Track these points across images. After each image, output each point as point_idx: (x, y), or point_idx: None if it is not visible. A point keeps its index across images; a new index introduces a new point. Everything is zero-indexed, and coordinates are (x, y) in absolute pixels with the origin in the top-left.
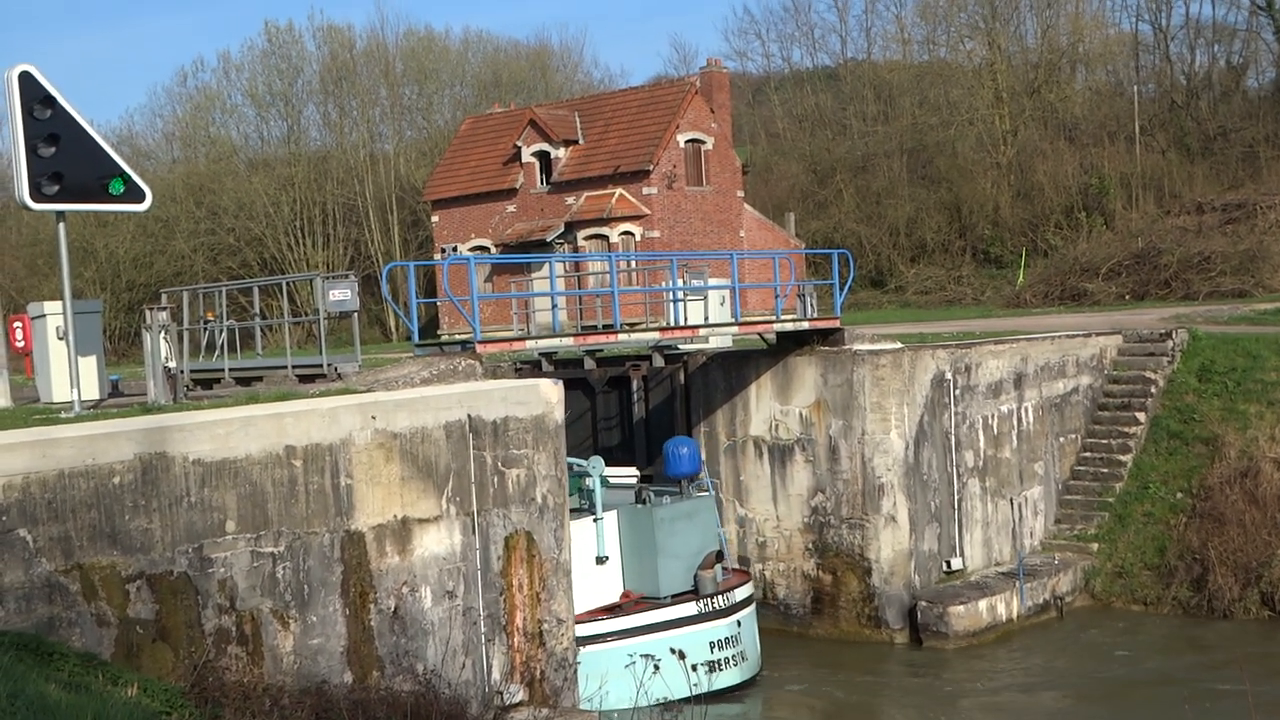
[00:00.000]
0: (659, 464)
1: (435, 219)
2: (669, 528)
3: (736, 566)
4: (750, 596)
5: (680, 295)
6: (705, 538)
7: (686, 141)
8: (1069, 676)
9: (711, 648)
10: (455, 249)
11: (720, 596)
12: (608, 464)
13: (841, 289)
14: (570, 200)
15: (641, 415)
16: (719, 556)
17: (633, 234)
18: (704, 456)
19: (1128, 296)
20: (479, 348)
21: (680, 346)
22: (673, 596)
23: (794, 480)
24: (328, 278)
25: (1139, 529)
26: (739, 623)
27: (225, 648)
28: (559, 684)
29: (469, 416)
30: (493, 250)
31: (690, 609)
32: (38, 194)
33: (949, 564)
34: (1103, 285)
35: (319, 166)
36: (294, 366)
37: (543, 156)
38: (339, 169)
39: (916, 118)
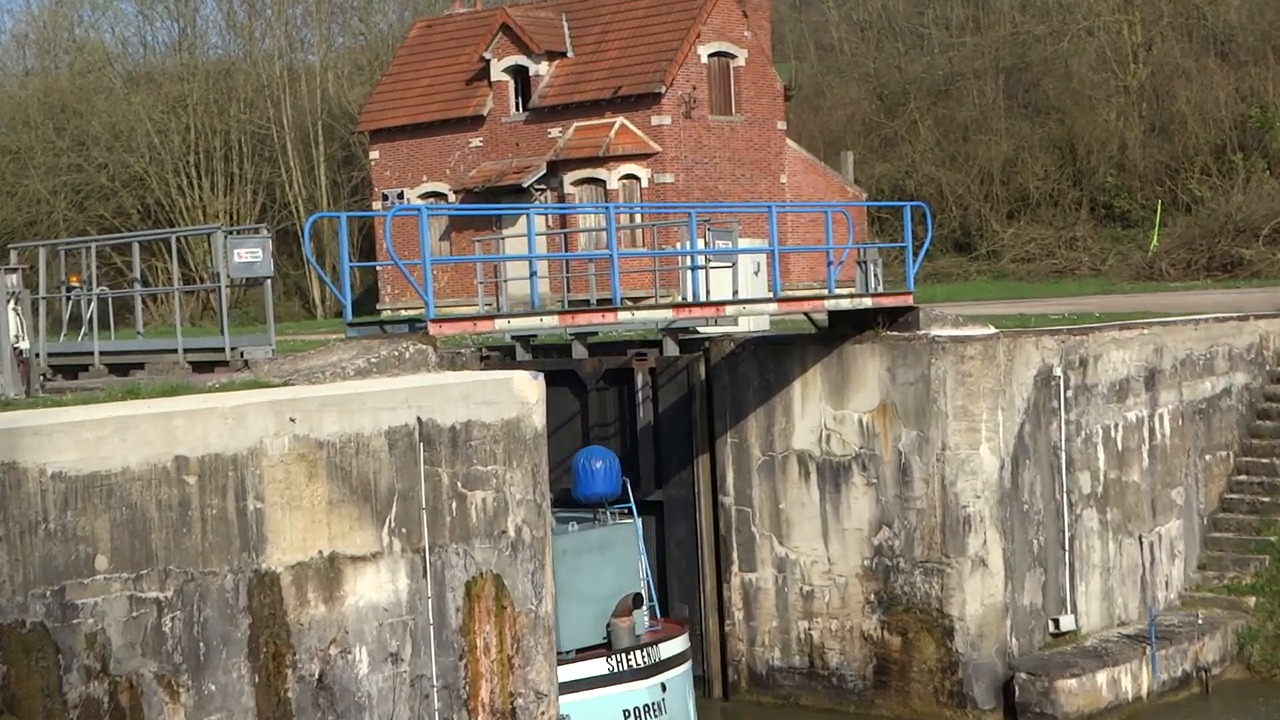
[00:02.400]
0: (673, 486)
1: (374, 156)
2: (572, 563)
3: (673, 615)
4: (684, 654)
5: (701, 261)
6: (621, 576)
7: (711, 55)
8: None
9: (626, 718)
10: (401, 196)
11: (640, 652)
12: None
13: (916, 254)
14: (555, 132)
15: (648, 421)
16: (638, 601)
17: (638, 178)
18: (732, 475)
19: None
20: (433, 328)
21: (700, 330)
22: (577, 651)
23: (851, 510)
24: (231, 232)
25: None
26: (664, 686)
27: None
28: None
29: (419, 420)
30: (451, 199)
31: (599, 667)
32: None
33: (1057, 623)
34: (1264, 251)
35: (221, 84)
36: (186, 350)
37: (519, 74)
38: (247, 87)
39: (1017, 25)
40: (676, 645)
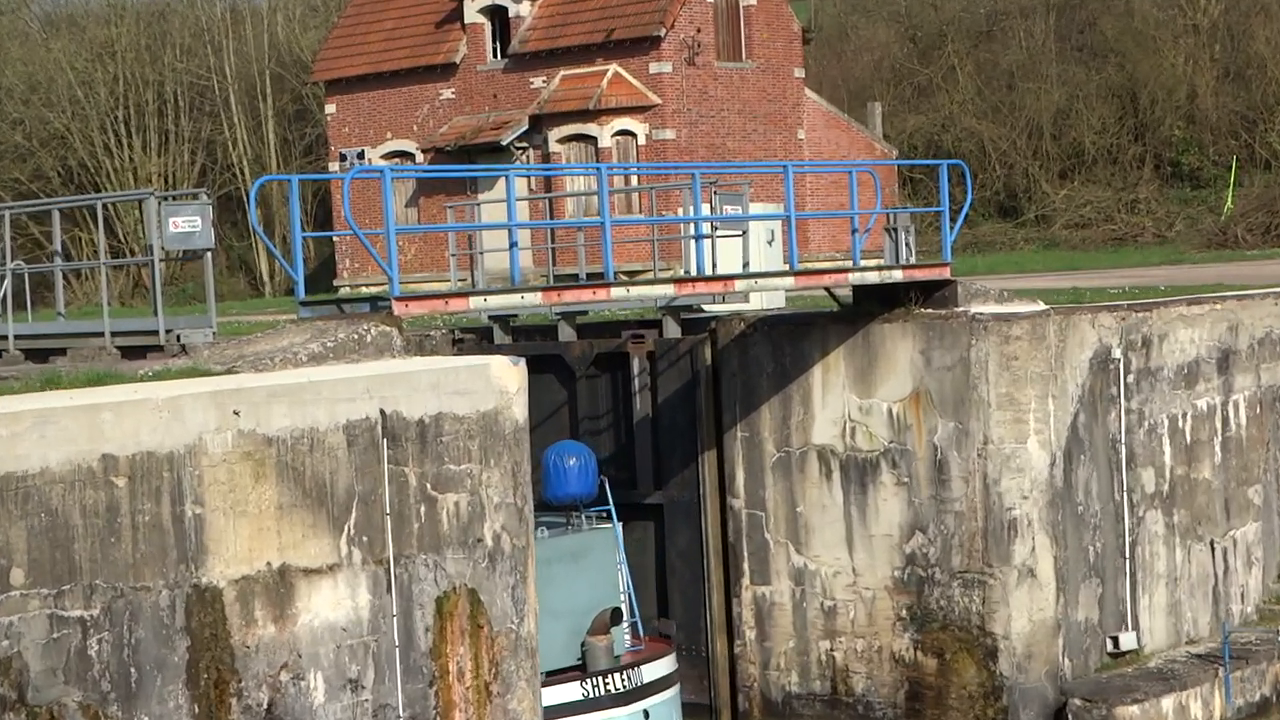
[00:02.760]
0: (675, 488)
1: (331, 110)
2: (542, 573)
3: (654, 632)
4: (670, 677)
5: (706, 229)
6: (599, 589)
7: None
8: None
9: None
10: (361, 156)
11: (619, 675)
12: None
13: (954, 220)
14: (538, 82)
15: (646, 413)
16: (617, 616)
17: (634, 135)
18: (742, 474)
19: None
20: (398, 307)
21: (706, 308)
22: (547, 674)
23: (879, 513)
24: (166, 198)
25: None
26: (647, 714)
27: None
28: None
29: (382, 413)
30: (419, 159)
31: (572, 692)
32: None
33: (1116, 641)
34: None
35: (154, 28)
36: (114, 333)
37: (497, 15)
38: (184, 32)
39: None
40: (662, 667)
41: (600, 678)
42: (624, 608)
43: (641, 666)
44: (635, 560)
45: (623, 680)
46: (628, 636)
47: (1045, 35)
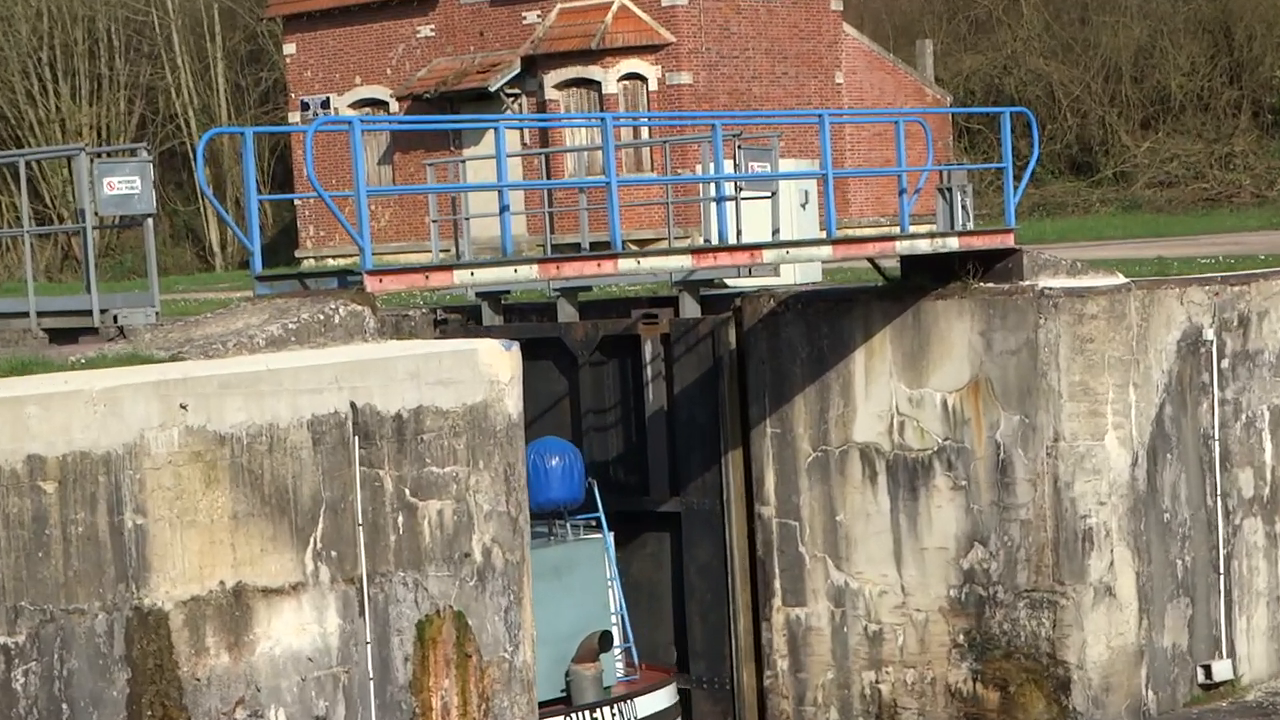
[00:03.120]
0: (694, 493)
1: (290, 50)
2: None
3: (650, 661)
4: (670, 710)
5: (729, 190)
6: (586, 610)
7: None
8: None
9: None
10: (326, 105)
11: (610, 709)
12: (606, 492)
13: (1018, 179)
14: (532, 17)
15: (660, 405)
16: (607, 641)
17: (644, 79)
18: (772, 477)
19: None
20: (370, 282)
21: (730, 283)
22: None
23: (933, 522)
24: (99, 154)
25: None
26: None
27: None
28: None
29: (353, 407)
30: (394, 108)
31: None
32: None
33: (1209, 671)
34: None
35: None
36: (41, 313)
37: None
38: None
39: None
40: (660, 699)
41: (587, 712)
42: (615, 631)
43: (636, 699)
44: (648, 578)
45: (614, 715)
46: (620, 664)
47: None
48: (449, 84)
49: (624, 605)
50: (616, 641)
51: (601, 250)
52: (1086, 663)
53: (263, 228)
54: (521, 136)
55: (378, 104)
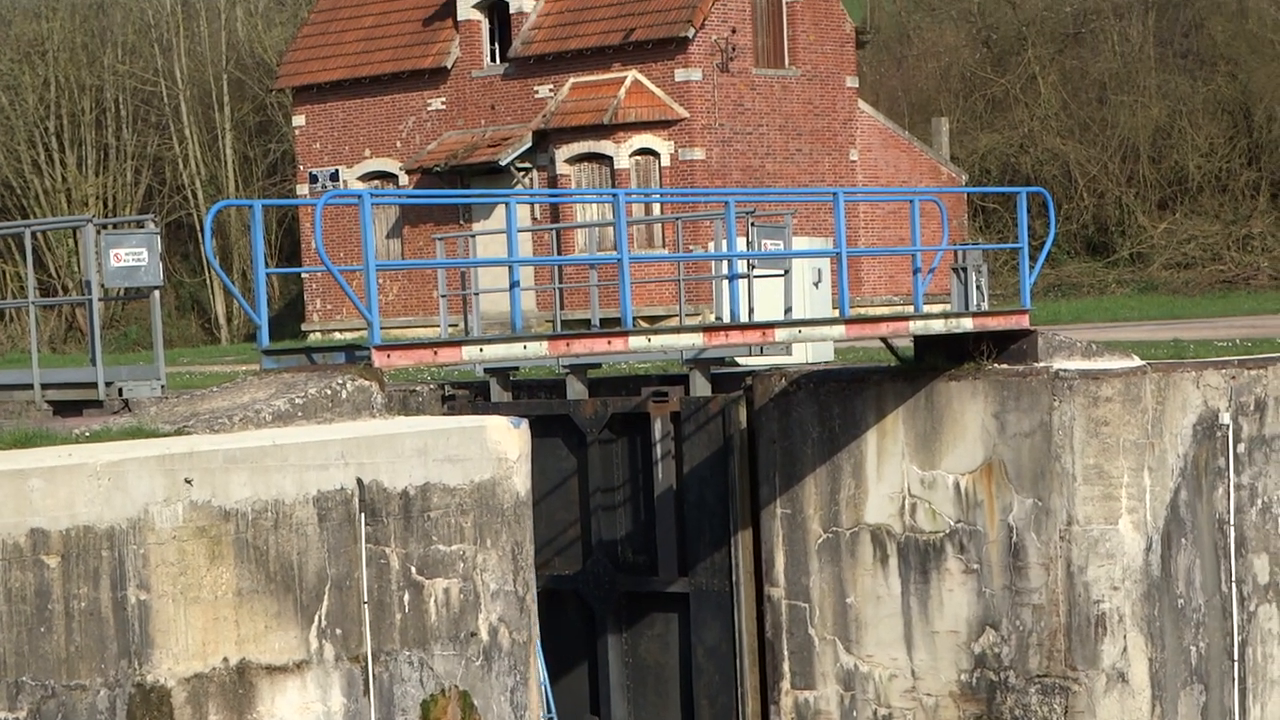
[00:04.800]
0: (703, 574)
1: (299, 122)
2: None
3: None
4: None
5: (742, 268)
6: None
7: None
8: None
9: None
10: (335, 178)
11: None
12: (614, 571)
13: (1034, 259)
14: (544, 91)
15: (669, 484)
16: None
17: (656, 154)
18: (782, 558)
19: None
20: (378, 357)
21: (741, 361)
22: None
23: (944, 606)
24: (106, 225)
25: None
26: None
27: None
28: None
29: (359, 483)
30: (404, 182)
31: None
32: None
33: None
34: None
35: (92, 23)
36: (46, 386)
37: (496, 11)
38: (127, 29)
39: None
40: None
41: None
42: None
43: None
44: (655, 660)
45: None
46: None
47: (1143, 39)
48: (459, 158)
49: (548, 684)
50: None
51: (612, 327)
52: None
53: (270, 300)
54: (532, 211)
55: (387, 177)
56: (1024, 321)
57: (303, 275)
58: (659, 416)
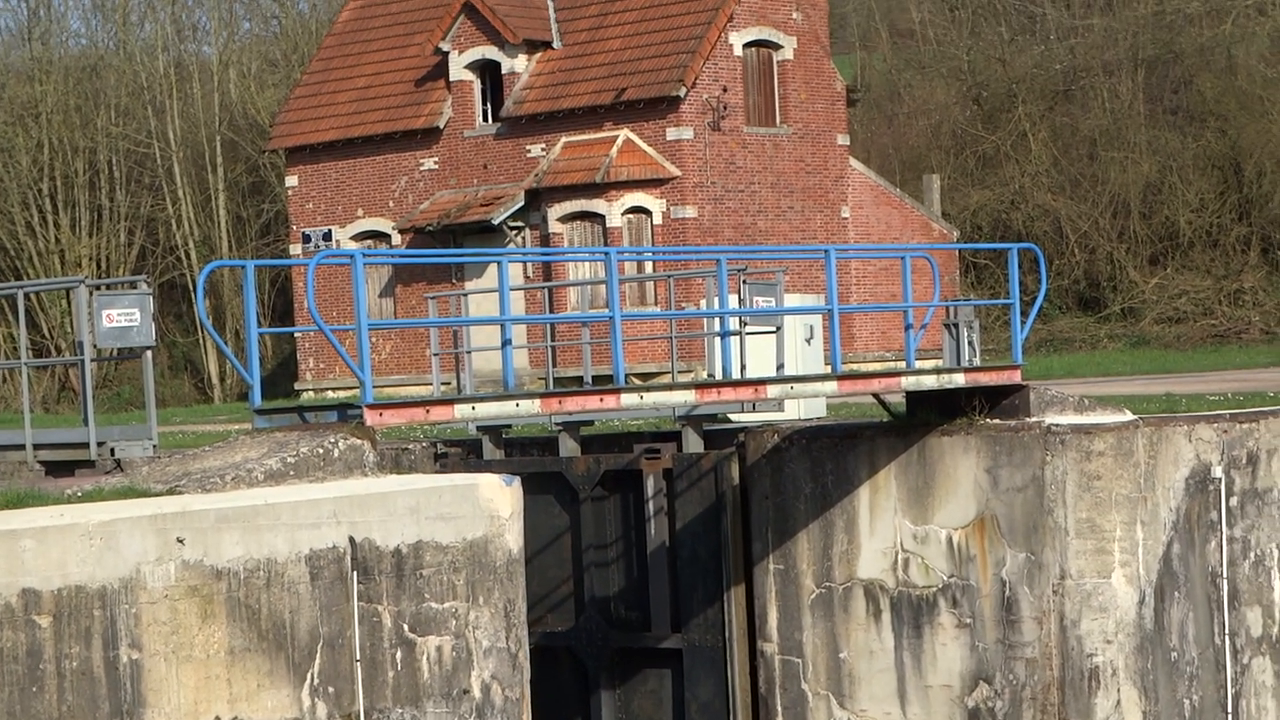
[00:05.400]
0: (696, 629)
1: (292, 182)
2: None
3: None
4: None
5: (734, 325)
6: None
7: (748, 45)
8: None
9: None
10: (328, 238)
11: None
12: (607, 628)
13: (1025, 314)
14: (536, 150)
15: (662, 540)
16: None
17: (648, 212)
18: (775, 614)
19: None
20: (370, 416)
21: (733, 418)
22: None
23: (937, 660)
24: (98, 286)
25: None
26: None
27: None
28: None
29: (351, 541)
30: (396, 241)
31: None
32: None
33: None
34: None
35: (85, 85)
36: (38, 446)
37: (488, 72)
38: (120, 91)
39: (1163, 1)
40: None
41: None
42: None
43: None
44: (649, 716)
45: None
46: None
47: (1133, 96)
48: (452, 217)
49: None
50: None
51: (604, 384)
52: None
53: (262, 360)
54: (524, 270)
55: (380, 236)
56: (1016, 377)
57: (295, 335)
58: (651, 473)
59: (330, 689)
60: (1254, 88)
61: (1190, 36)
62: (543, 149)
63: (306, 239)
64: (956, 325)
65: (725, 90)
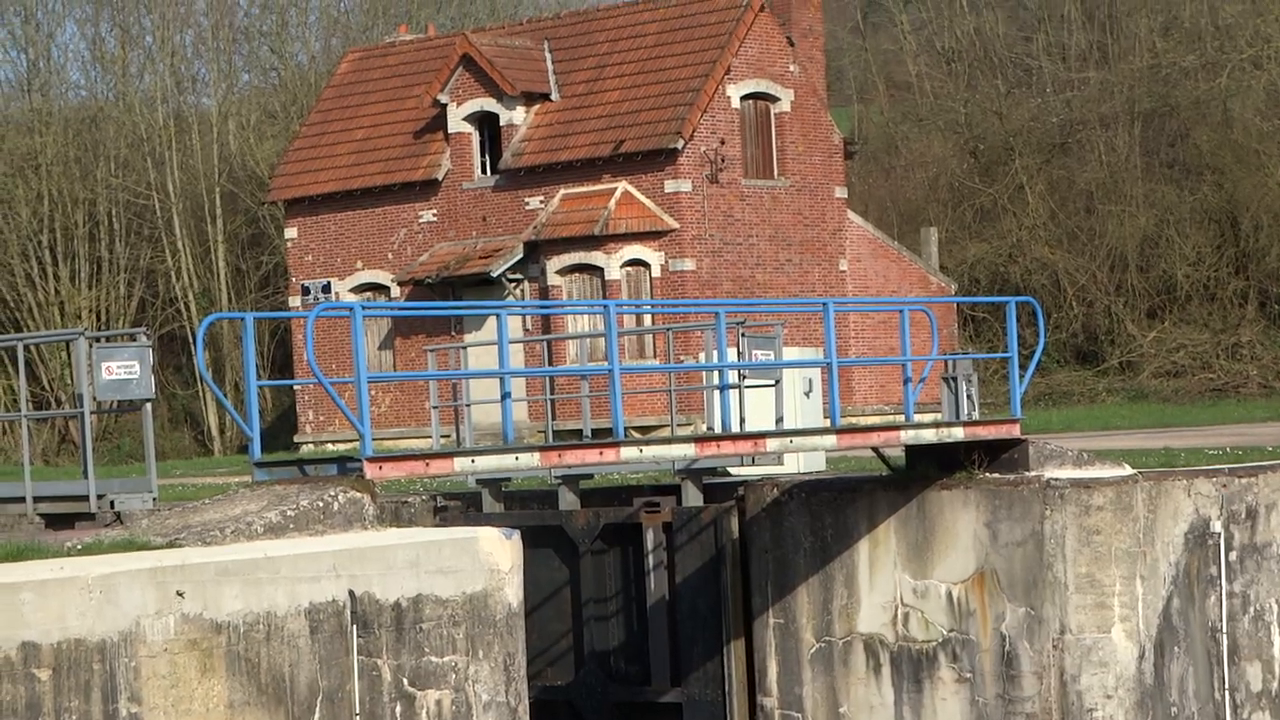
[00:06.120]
0: (695, 683)
1: (291, 234)
2: None
3: None
4: None
5: (733, 378)
6: None
7: (745, 98)
8: None
9: None
10: (327, 290)
11: None
12: (607, 681)
13: (1024, 368)
14: (535, 203)
15: (662, 595)
16: None
17: (647, 265)
18: (775, 668)
19: None
20: (370, 469)
21: (733, 471)
22: None
23: (938, 714)
24: (98, 339)
25: None
26: None
27: None
28: None
29: (351, 595)
30: (395, 293)
31: None
32: None
33: None
34: None
35: (85, 137)
36: (37, 499)
37: (486, 124)
38: (120, 142)
39: (1159, 55)
40: None
41: None
42: None
43: None
44: None
45: None
46: None
47: (1130, 149)
48: (451, 269)
49: None
50: None
51: (603, 438)
52: None
53: (262, 412)
54: (523, 322)
55: (379, 289)
56: (1015, 431)
57: (295, 388)
58: (651, 527)
59: None
60: (1250, 141)
61: (1186, 90)
62: (541, 201)
63: (306, 291)
64: (955, 379)
65: (723, 143)
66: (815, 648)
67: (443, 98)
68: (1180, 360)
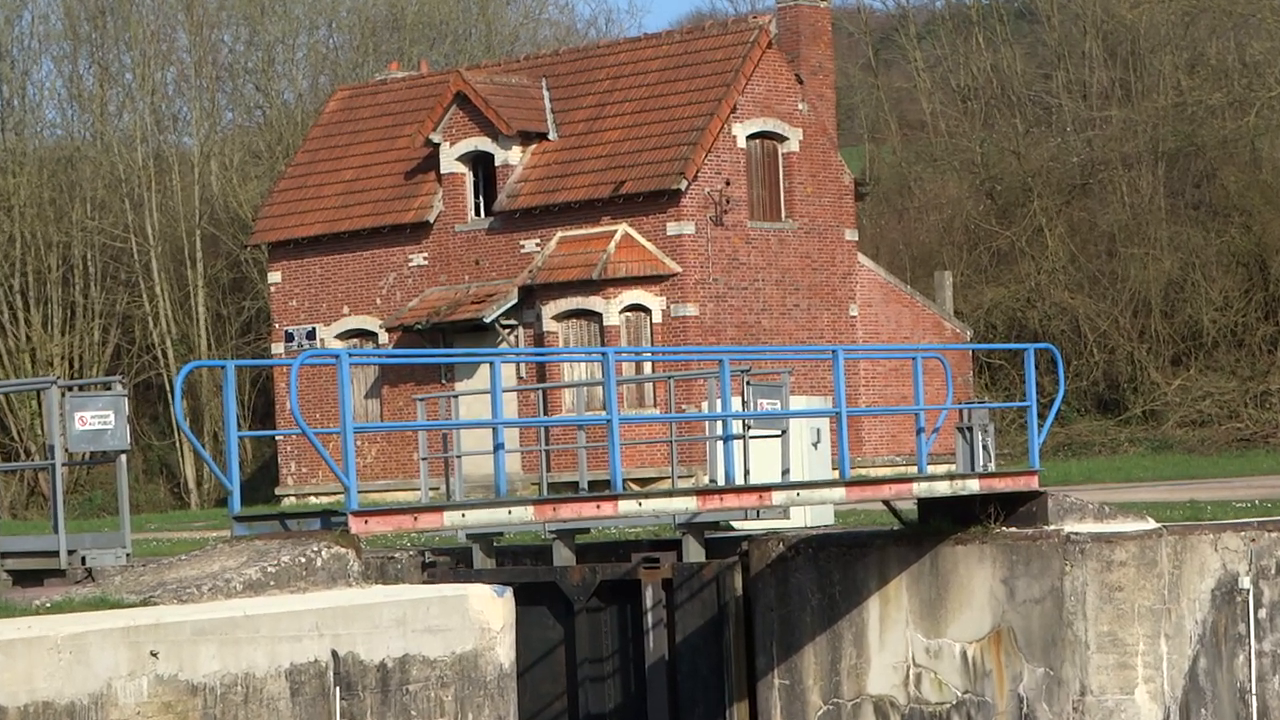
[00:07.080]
0: None
1: (275, 279)
2: None
3: None
4: None
5: (737, 428)
6: None
7: (752, 137)
8: None
9: None
10: (312, 336)
11: None
12: None
13: (1043, 417)
14: (530, 246)
15: (662, 654)
16: None
17: (648, 310)
18: None
19: None
20: (355, 524)
21: (736, 525)
22: None
23: None
24: (71, 387)
25: None
26: None
27: None
28: None
29: (334, 655)
30: (383, 340)
31: None
32: None
33: None
34: None
35: (60, 178)
36: (5, 554)
37: (480, 164)
38: (96, 183)
39: (1184, 93)
40: None
41: None
42: None
43: None
44: None
45: None
46: None
47: (1153, 190)
48: (442, 315)
49: None
50: None
51: (601, 490)
52: None
53: (242, 464)
54: (518, 370)
55: (366, 335)
56: (1033, 483)
57: (277, 438)
58: (650, 583)
59: None
60: (1279, 181)
61: (1212, 129)
62: (537, 244)
63: (289, 338)
64: (971, 429)
65: (728, 183)
66: (823, 710)
67: (435, 137)
68: (1206, 409)
